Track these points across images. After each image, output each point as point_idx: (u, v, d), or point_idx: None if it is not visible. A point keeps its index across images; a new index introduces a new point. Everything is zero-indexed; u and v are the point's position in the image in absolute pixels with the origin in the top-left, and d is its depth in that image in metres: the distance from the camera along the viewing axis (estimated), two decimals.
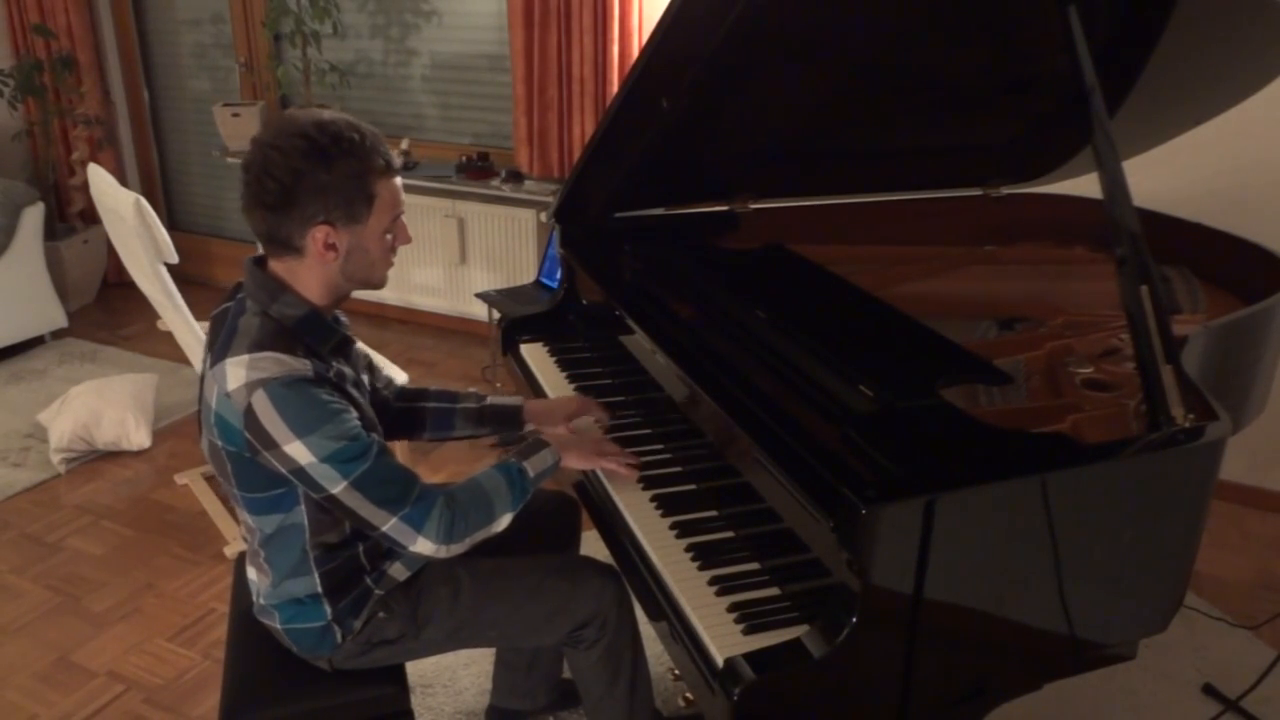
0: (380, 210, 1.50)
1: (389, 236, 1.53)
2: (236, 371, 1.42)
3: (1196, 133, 2.27)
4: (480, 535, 1.55)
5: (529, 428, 1.90)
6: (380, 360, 2.72)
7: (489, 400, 1.90)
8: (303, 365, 1.44)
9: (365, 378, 1.69)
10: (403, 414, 1.87)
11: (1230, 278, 2.21)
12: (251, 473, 1.49)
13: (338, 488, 1.44)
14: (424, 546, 1.50)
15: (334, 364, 1.53)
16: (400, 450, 3.19)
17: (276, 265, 1.52)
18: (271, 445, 1.42)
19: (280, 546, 1.57)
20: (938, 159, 2.34)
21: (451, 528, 1.51)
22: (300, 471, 1.44)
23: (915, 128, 2.18)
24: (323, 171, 1.42)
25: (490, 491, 1.56)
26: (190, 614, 2.61)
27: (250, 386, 1.41)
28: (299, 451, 1.42)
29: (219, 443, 1.48)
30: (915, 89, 2.04)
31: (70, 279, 4.61)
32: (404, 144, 4.10)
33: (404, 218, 1.56)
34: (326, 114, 1.48)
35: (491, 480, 1.58)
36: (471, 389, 1.96)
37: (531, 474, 1.62)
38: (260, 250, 1.55)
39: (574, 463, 1.70)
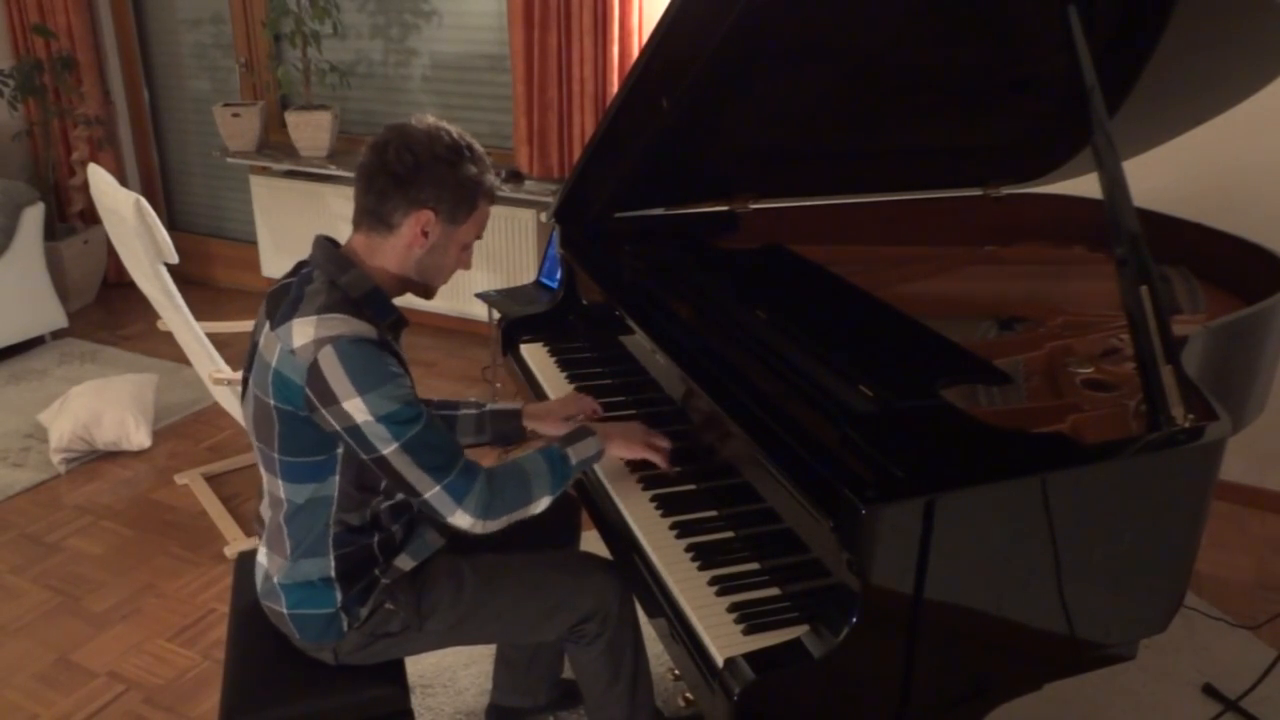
0: (473, 223, 1.62)
1: (464, 252, 1.65)
2: (304, 329, 1.49)
3: (1196, 133, 2.27)
4: (518, 515, 1.58)
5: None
6: None
7: (488, 406, 1.93)
8: (368, 328, 1.51)
9: None
10: None
11: (1230, 278, 2.21)
12: (300, 435, 1.54)
13: (389, 449, 1.49)
14: (462, 519, 1.53)
15: (390, 341, 1.59)
16: None
17: (357, 240, 1.61)
18: (331, 401, 1.47)
19: (305, 520, 1.60)
20: (938, 159, 2.34)
21: (490, 504, 1.54)
22: (355, 429, 1.48)
23: (915, 128, 2.18)
24: (450, 167, 1.56)
25: (531, 473, 1.60)
26: (190, 614, 2.62)
27: (319, 343, 1.47)
28: (357, 408, 1.47)
29: (273, 402, 1.52)
30: (915, 89, 2.04)
31: (70, 279, 4.61)
32: None
33: None
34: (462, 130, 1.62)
35: (533, 463, 1.61)
36: (471, 396, 1.98)
37: (574, 460, 1.64)
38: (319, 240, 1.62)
39: (620, 451, 1.72)
